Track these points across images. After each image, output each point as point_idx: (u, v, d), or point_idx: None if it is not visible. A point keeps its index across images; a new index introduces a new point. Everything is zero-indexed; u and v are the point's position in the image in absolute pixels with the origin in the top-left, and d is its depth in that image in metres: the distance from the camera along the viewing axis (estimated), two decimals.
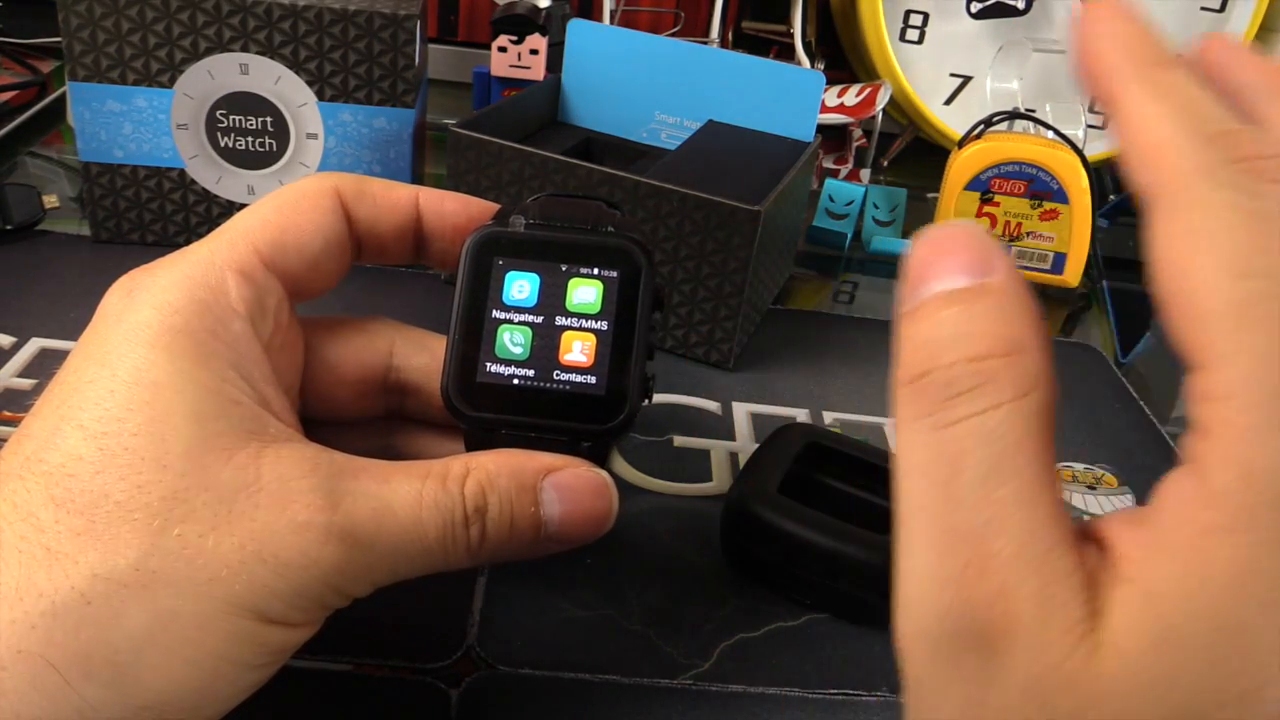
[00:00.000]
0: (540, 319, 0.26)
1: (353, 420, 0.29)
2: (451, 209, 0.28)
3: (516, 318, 0.26)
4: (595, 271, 0.26)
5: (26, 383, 0.40)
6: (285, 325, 0.26)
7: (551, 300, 0.26)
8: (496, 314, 0.26)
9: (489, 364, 0.26)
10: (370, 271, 0.51)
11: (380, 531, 0.23)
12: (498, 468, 0.25)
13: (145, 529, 0.21)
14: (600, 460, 0.26)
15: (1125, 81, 0.18)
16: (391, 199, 0.28)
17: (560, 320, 0.26)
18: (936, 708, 0.17)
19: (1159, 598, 0.15)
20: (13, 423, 0.38)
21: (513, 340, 0.26)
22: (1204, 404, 0.16)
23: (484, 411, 0.26)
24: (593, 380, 0.26)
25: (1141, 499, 0.43)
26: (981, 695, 0.16)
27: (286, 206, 0.26)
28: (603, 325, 0.26)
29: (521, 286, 0.26)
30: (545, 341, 0.26)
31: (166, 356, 0.22)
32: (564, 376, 0.26)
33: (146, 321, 0.23)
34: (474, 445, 0.27)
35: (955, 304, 0.18)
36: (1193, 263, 0.16)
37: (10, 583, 0.20)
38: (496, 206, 0.28)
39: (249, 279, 0.24)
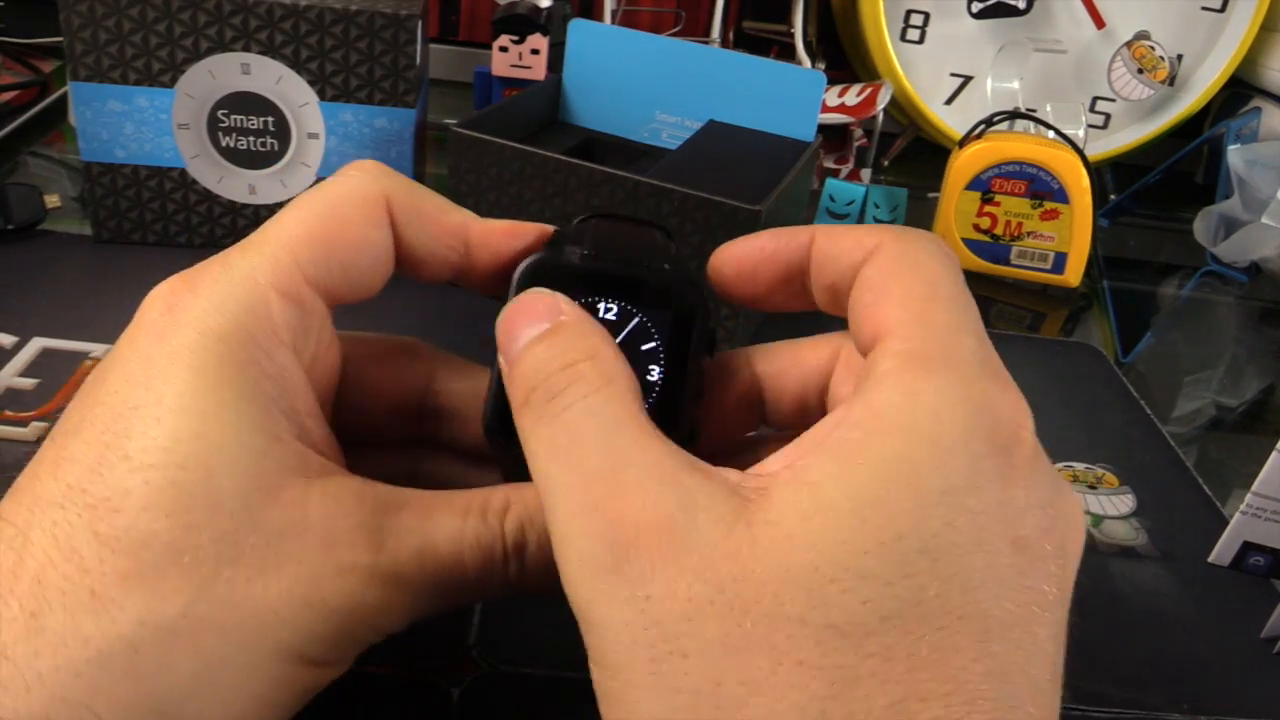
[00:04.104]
0: None
1: (384, 443, 0.28)
2: (500, 243, 0.26)
3: None
4: (649, 309, 0.25)
5: (28, 382, 0.40)
6: (326, 344, 0.25)
7: None
8: None
9: None
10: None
11: (423, 571, 0.22)
12: (539, 504, 0.24)
13: (194, 573, 0.20)
14: None
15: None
16: (444, 224, 0.26)
17: None
18: (608, 627, 0.19)
19: (816, 485, 0.19)
20: (15, 422, 0.38)
21: None
22: (884, 358, 0.21)
23: None
24: None
25: (1142, 498, 0.43)
26: (645, 593, 0.19)
27: (333, 216, 0.24)
28: (653, 363, 0.25)
29: None
30: None
31: (214, 386, 0.22)
32: None
33: (191, 346, 0.22)
34: (512, 475, 0.26)
35: (542, 340, 0.22)
36: None
37: (55, 628, 0.19)
38: (549, 230, 0.27)
39: (293, 300, 0.23)
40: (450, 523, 0.23)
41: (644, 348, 0.25)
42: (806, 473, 0.20)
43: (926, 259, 0.23)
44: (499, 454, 0.26)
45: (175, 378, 0.21)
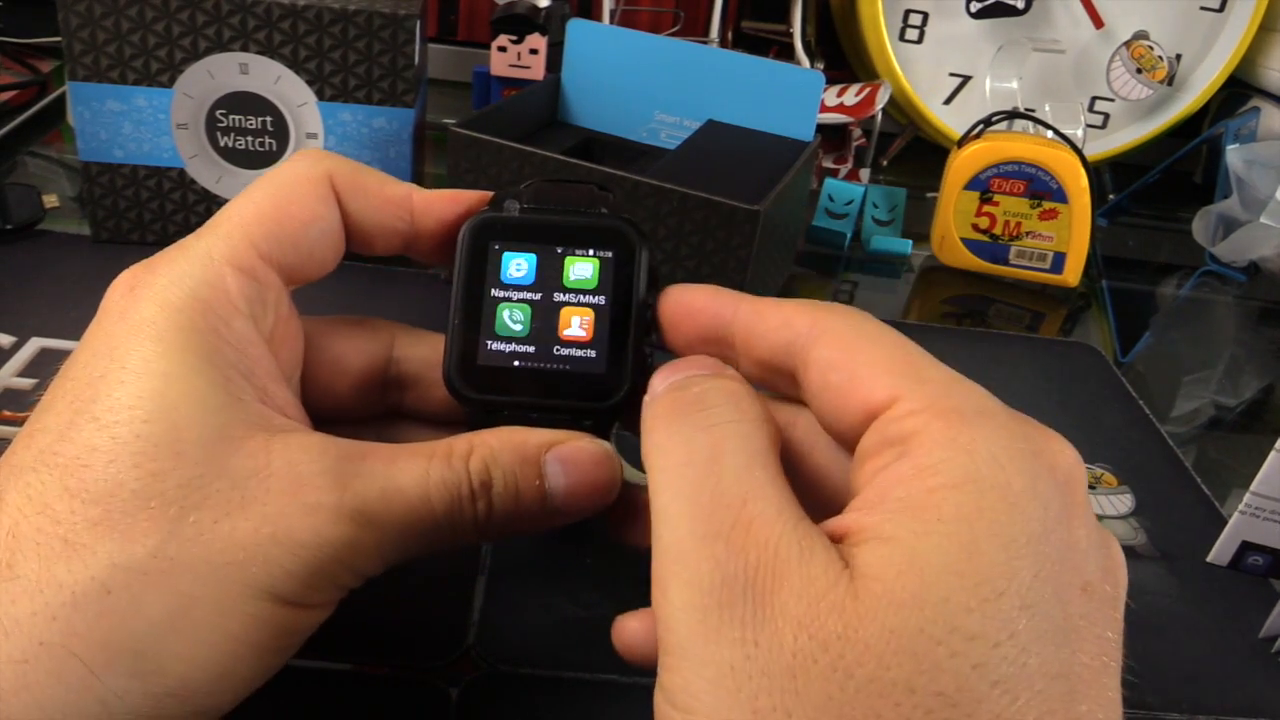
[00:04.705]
0: (539, 295, 0.27)
1: (352, 419, 0.29)
2: (444, 210, 0.28)
3: (515, 295, 0.27)
4: (590, 251, 0.27)
5: (27, 382, 0.40)
6: (285, 317, 0.26)
7: (549, 277, 0.27)
8: (495, 293, 0.27)
9: (490, 344, 0.26)
10: (369, 271, 0.51)
11: (389, 509, 0.23)
12: (500, 443, 0.25)
13: (162, 517, 0.21)
14: (602, 436, 0.27)
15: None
16: (386, 196, 0.27)
17: (558, 296, 0.27)
18: (711, 666, 0.18)
19: (901, 541, 0.18)
20: (13, 422, 0.38)
21: (512, 317, 0.27)
22: (906, 419, 0.20)
23: (486, 393, 0.26)
24: (592, 356, 0.26)
25: (1141, 498, 0.43)
26: (754, 637, 0.18)
27: (281, 195, 0.26)
28: (600, 300, 0.27)
29: (519, 265, 0.27)
30: (544, 317, 0.27)
31: (175, 351, 0.23)
32: (564, 353, 0.26)
33: (151, 318, 0.23)
34: (476, 428, 0.27)
35: (710, 376, 0.23)
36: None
37: (30, 575, 0.20)
38: (489, 195, 0.29)
39: (248, 274, 0.25)
40: (414, 465, 0.24)
41: (591, 284, 0.27)
42: (880, 529, 0.19)
43: (874, 328, 0.23)
44: (463, 408, 0.27)
45: (137, 347, 0.22)
